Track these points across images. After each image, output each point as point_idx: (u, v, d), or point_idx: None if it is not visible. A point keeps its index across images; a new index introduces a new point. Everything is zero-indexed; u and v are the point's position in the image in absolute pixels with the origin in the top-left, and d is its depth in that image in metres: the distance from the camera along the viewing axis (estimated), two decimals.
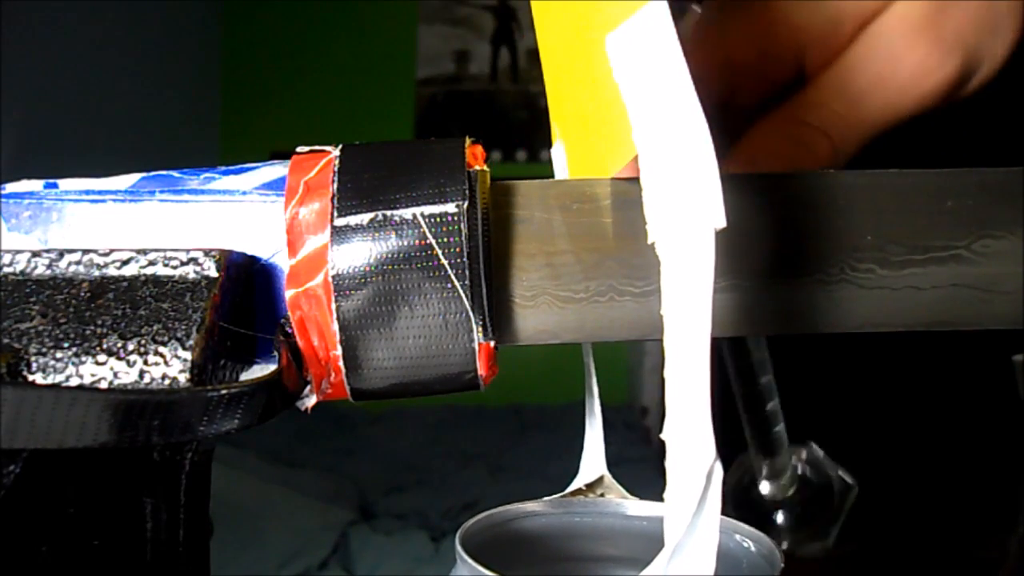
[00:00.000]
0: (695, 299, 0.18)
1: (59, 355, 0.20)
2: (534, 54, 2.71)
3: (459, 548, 0.26)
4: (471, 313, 0.23)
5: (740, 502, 0.47)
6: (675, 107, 0.19)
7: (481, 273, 0.23)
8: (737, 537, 0.29)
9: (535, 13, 0.30)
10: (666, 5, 0.20)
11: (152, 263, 0.22)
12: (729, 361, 0.41)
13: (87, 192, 0.24)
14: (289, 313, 0.23)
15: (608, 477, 0.33)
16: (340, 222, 0.23)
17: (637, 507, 0.31)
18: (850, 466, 0.55)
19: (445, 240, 0.23)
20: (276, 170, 0.25)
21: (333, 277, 0.23)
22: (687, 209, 0.19)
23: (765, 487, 0.45)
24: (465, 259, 0.23)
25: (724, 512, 0.19)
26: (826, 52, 0.35)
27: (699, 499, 0.18)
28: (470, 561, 0.25)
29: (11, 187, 0.25)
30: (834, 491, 0.47)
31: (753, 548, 0.28)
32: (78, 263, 0.22)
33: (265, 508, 1.66)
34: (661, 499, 0.19)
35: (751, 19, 0.35)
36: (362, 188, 0.23)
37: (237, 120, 2.82)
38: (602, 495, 0.32)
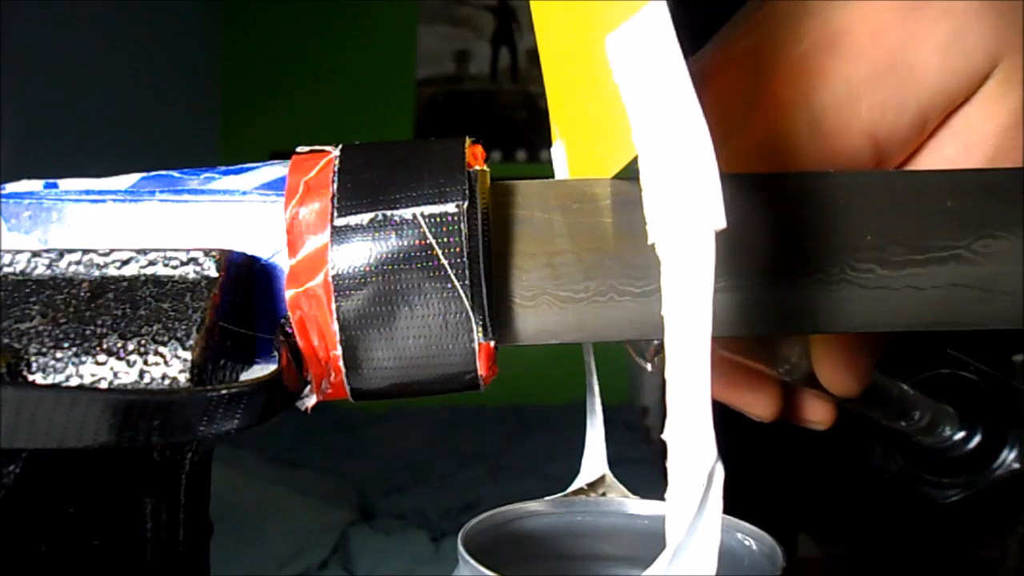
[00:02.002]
0: (695, 299, 0.18)
1: (59, 355, 0.20)
2: (534, 54, 2.71)
3: (461, 548, 0.26)
4: (471, 313, 0.23)
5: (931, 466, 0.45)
6: (675, 108, 0.19)
7: (481, 273, 0.23)
8: (739, 535, 0.29)
9: (534, 13, 0.30)
10: (665, 6, 0.20)
11: (152, 263, 0.22)
12: None
13: (87, 192, 0.24)
14: (289, 313, 0.23)
15: (609, 476, 0.33)
16: (340, 222, 0.23)
17: (639, 506, 0.31)
18: (849, 466, 0.54)
19: (445, 240, 0.23)
20: (276, 170, 0.25)
21: (333, 277, 0.23)
22: (687, 210, 0.19)
23: (928, 441, 0.44)
24: (465, 259, 0.23)
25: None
26: (906, 155, 0.31)
27: (700, 499, 0.18)
28: (472, 562, 0.25)
29: (11, 187, 0.25)
30: (996, 397, 0.45)
31: (755, 547, 0.28)
32: (78, 263, 0.22)
33: (265, 508, 1.66)
34: (662, 499, 0.19)
35: (823, 128, 0.30)
36: (362, 188, 0.23)
37: (237, 120, 2.82)
38: (604, 494, 0.32)
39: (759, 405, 0.37)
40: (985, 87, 0.30)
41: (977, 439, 0.44)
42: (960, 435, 0.44)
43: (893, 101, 0.30)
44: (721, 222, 0.18)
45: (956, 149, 0.30)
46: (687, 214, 0.19)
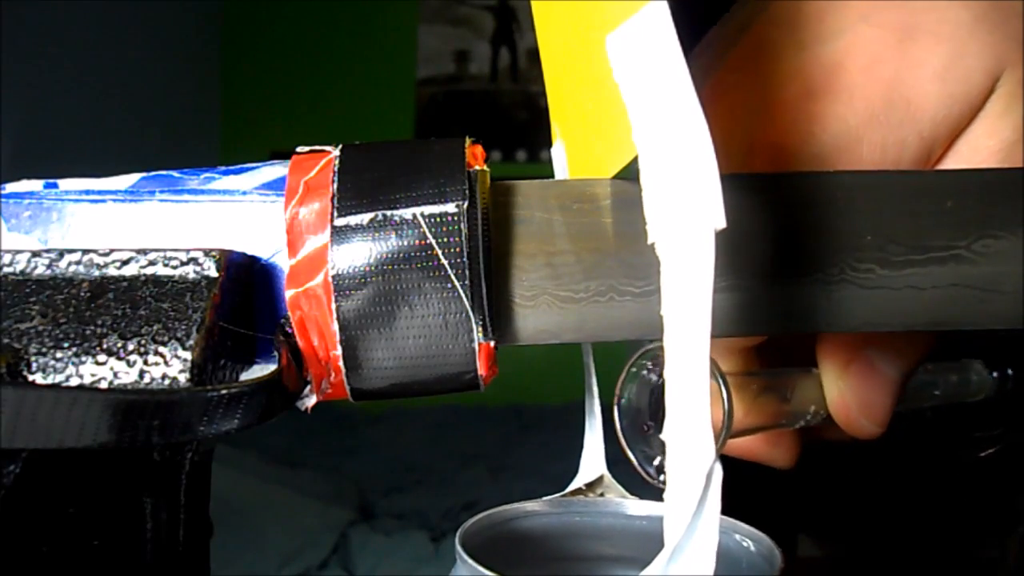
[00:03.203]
0: (695, 300, 0.18)
1: (59, 355, 0.20)
2: (534, 54, 2.71)
3: (459, 548, 0.26)
4: (471, 313, 0.23)
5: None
6: (675, 108, 0.19)
7: (481, 273, 0.23)
8: (737, 536, 0.29)
9: (535, 12, 0.30)
10: (666, 6, 0.20)
11: (152, 263, 0.22)
12: None
13: (87, 192, 0.24)
14: (289, 313, 0.23)
15: (608, 476, 0.33)
16: (340, 222, 0.23)
17: (637, 506, 0.31)
18: (848, 465, 0.54)
19: (445, 240, 0.23)
20: (276, 170, 0.25)
21: (333, 277, 0.23)
22: (687, 210, 0.19)
23: (965, 398, 0.42)
24: (465, 259, 0.23)
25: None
26: None
27: (699, 500, 0.18)
28: (470, 561, 0.25)
29: (11, 187, 0.25)
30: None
31: (753, 548, 0.28)
32: (78, 263, 0.22)
33: (265, 508, 1.66)
34: (661, 499, 0.19)
35: (830, 161, 0.29)
36: (362, 188, 0.23)
37: (237, 120, 2.82)
38: (602, 494, 0.32)
39: (780, 457, 0.36)
40: (988, 105, 0.29)
41: (1009, 384, 0.43)
42: (994, 376, 0.43)
43: (894, 139, 0.29)
44: (721, 222, 0.18)
45: (955, 166, 0.30)
46: (687, 214, 0.19)
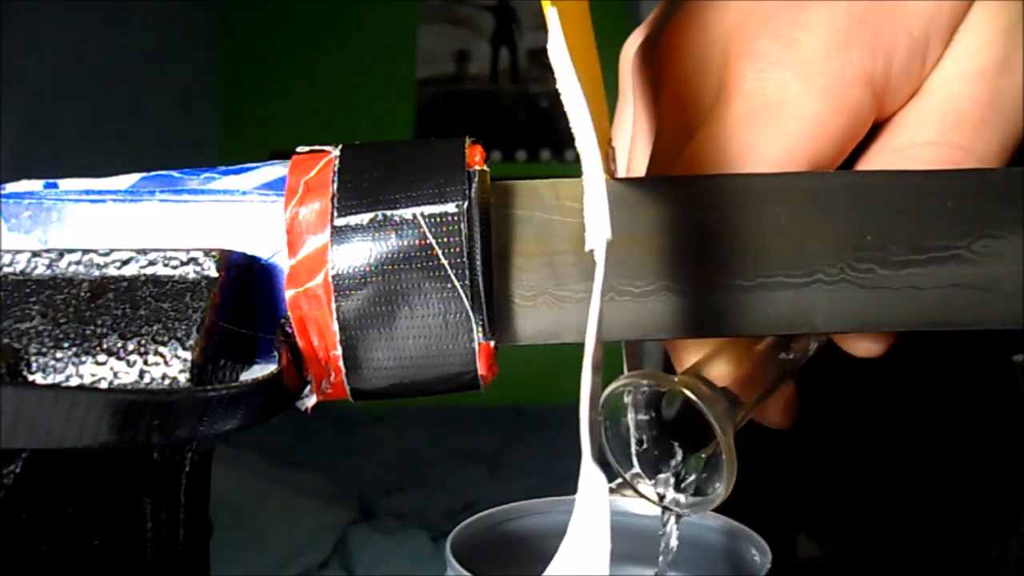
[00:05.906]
0: (592, 307, 0.19)
1: (59, 355, 0.20)
2: (534, 54, 2.71)
3: (448, 551, 0.26)
4: (471, 313, 0.23)
5: None
6: (572, 117, 0.20)
7: (481, 273, 0.23)
8: (731, 535, 0.29)
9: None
10: (555, 14, 0.20)
11: (152, 263, 0.22)
12: None
13: (87, 192, 0.24)
14: (289, 313, 0.23)
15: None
16: (340, 222, 0.23)
17: (637, 505, 0.31)
18: (848, 465, 0.54)
19: (445, 240, 0.23)
20: (276, 170, 0.25)
21: (333, 277, 0.23)
22: (590, 220, 0.19)
23: None
24: (465, 259, 0.23)
25: None
26: (912, 91, 0.28)
27: (583, 508, 0.18)
28: (455, 564, 0.25)
29: (11, 187, 0.25)
30: None
31: (745, 546, 0.28)
32: (78, 263, 0.22)
33: (265, 508, 1.66)
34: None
35: (817, 84, 0.27)
36: (362, 188, 0.23)
37: (237, 120, 2.82)
38: None
39: (776, 415, 0.34)
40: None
41: None
42: None
43: (883, 39, 0.26)
44: (606, 233, 0.19)
45: (956, 57, 0.27)
46: (590, 224, 0.19)
